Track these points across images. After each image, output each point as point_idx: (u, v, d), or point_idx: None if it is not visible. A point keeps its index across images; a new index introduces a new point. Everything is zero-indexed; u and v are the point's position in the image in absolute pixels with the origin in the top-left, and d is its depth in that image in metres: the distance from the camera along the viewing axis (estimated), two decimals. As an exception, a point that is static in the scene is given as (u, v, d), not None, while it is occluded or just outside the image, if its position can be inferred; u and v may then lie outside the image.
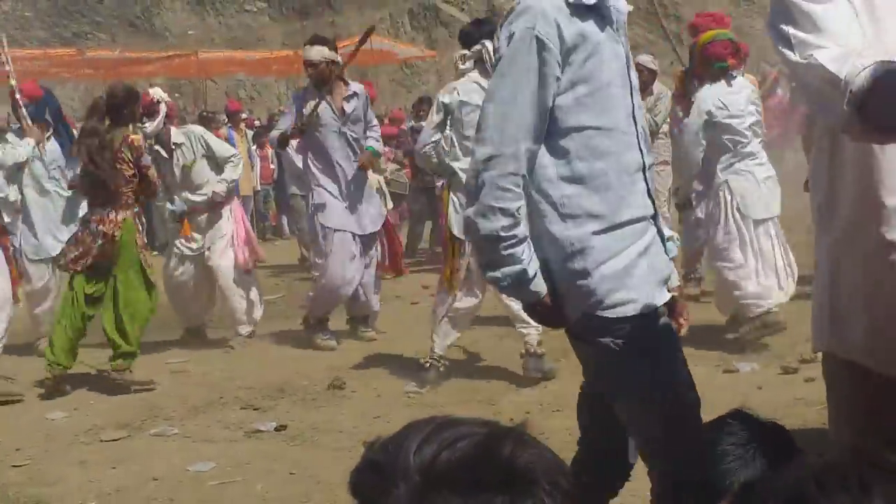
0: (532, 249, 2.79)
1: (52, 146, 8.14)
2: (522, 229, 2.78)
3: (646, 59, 10.20)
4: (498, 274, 2.80)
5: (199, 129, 8.18)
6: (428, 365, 6.55)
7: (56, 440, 5.71)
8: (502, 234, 2.75)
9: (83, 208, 8.02)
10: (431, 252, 13.44)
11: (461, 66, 6.52)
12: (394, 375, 6.73)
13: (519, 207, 2.77)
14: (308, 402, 6.26)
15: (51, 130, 8.20)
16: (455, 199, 6.50)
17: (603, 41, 2.80)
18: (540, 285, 2.79)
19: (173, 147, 7.78)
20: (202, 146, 7.82)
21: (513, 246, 2.76)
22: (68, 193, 8.08)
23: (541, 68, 2.74)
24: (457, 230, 6.41)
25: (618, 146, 2.83)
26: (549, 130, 2.79)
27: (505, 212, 2.75)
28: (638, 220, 2.87)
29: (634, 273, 2.82)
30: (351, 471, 1.15)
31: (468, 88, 6.35)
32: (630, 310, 2.80)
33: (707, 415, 5.07)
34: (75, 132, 8.30)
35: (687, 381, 2.91)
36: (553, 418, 5.55)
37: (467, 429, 1.11)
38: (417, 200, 13.22)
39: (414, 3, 26.77)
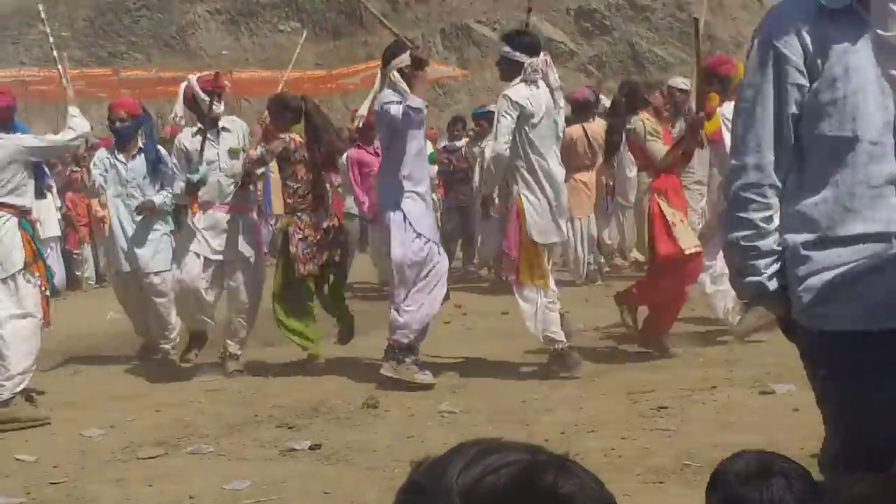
0: (779, 263, 2.75)
1: (136, 163, 8.20)
2: (767, 242, 2.75)
3: (678, 81, 10.31)
4: (740, 282, 2.82)
5: (245, 125, 8.24)
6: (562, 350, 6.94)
7: (93, 458, 5.75)
8: (743, 244, 2.75)
9: (156, 227, 8.21)
10: (464, 271, 13.45)
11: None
12: (427, 395, 6.73)
13: (763, 218, 2.74)
14: (342, 420, 6.27)
15: (137, 148, 8.25)
16: (529, 202, 6.83)
17: (855, 47, 2.68)
18: (781, 300, 2.77)
19: (220, 129, 7.83)
20: (247, 141, 7.95)
21: (754, 258, 2.75)
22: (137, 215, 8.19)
23: (779, 78, 2.69)
24: (536, 236, 6.84)
25: (861, 157, 2.69)
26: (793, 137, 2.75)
27: (746, 222, 2.74)
28: (874, 237, 2.70)
29: (856, 289, 2.67)
30: (397, 491, 1.15)
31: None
32: (832, 325, 2.69)
33: (744, 434, 5.06)
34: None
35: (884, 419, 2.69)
36: (588, 439, 5.52)
37: (512, 454, 1.11)
38: (451, 219, 13.21)
39: (446, 22, 26.83)
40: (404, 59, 6.95)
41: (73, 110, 7.29)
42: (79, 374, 8.10)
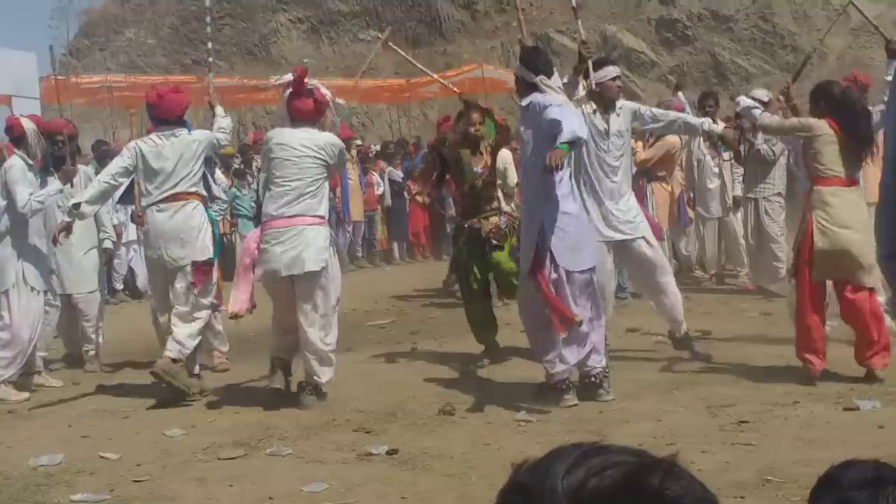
0: None
1: None
2: None
3: (760, 94, 10.24)
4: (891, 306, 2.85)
5: None
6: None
7: (174, 457, 5.84)
8: (882, 261, 2.78)
9: None
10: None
11: None
12: (504, 402, 6.71)
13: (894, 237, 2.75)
14: (419, 426, 6.29)
15: None
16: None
17: None
18: None
19: None
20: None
21: (893, 275, 2.77)
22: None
23: (893, 100, 2.71)
24: None
25: None
26: None
27: (884, 243, 2.75)
28: None
29: None
30: (498, 492, 1.15)
31: None
32: None
33: (828, 450, 4.95)
34: None
35: None
36: (667, 452, 5.45)
37: (617, 456, 1.11)
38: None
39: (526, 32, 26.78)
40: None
41: (220, 110, 7.98)
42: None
